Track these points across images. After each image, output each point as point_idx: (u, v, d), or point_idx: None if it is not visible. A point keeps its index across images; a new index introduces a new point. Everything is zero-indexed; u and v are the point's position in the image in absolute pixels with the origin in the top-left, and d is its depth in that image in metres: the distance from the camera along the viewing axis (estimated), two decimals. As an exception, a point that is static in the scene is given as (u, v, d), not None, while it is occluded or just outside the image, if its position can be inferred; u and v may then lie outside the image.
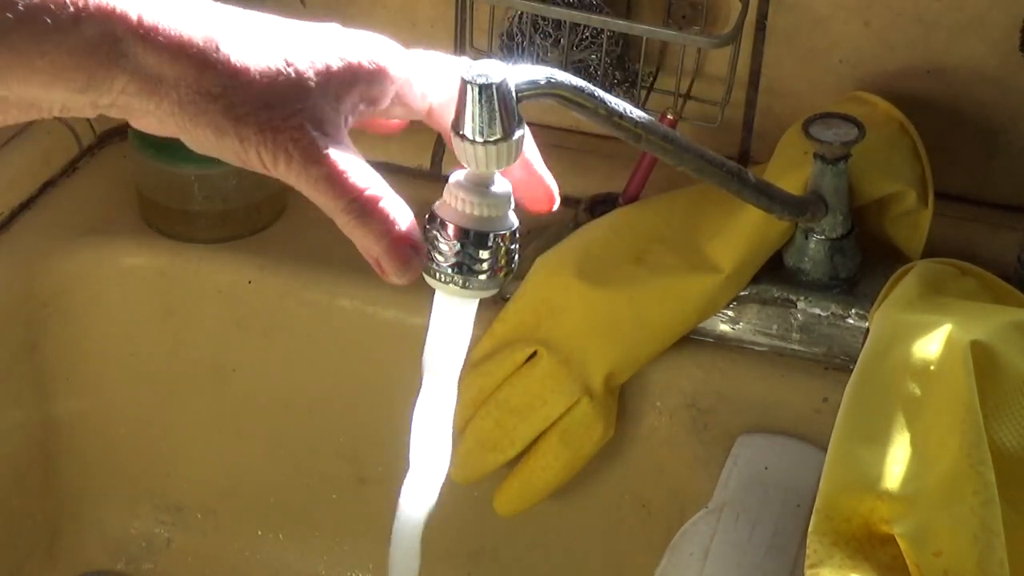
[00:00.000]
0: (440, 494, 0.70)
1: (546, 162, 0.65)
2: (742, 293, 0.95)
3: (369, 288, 1.01)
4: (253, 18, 0.59)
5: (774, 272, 0.95)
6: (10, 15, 0.51)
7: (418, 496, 0.70)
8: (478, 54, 1.03)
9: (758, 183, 0.84)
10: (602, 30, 1.00)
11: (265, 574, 1.11)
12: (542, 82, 0.63)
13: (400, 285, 0.61)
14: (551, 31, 1.01)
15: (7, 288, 1.02)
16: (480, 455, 0.96)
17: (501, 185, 0.63)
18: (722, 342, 0.96)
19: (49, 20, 0.52)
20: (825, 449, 0.74)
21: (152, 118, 0.57)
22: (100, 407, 1.08)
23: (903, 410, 0.74)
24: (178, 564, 1.12)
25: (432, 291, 0.65)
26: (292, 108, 0.57)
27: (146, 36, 0.55)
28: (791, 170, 0.94)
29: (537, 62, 1.00)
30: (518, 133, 0.61)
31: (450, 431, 0.69)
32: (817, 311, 0.94)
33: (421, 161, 1.09)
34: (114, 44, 0.54)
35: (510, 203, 0.64)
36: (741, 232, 0.94)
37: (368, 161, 0.60)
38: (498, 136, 0.60)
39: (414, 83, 0.63)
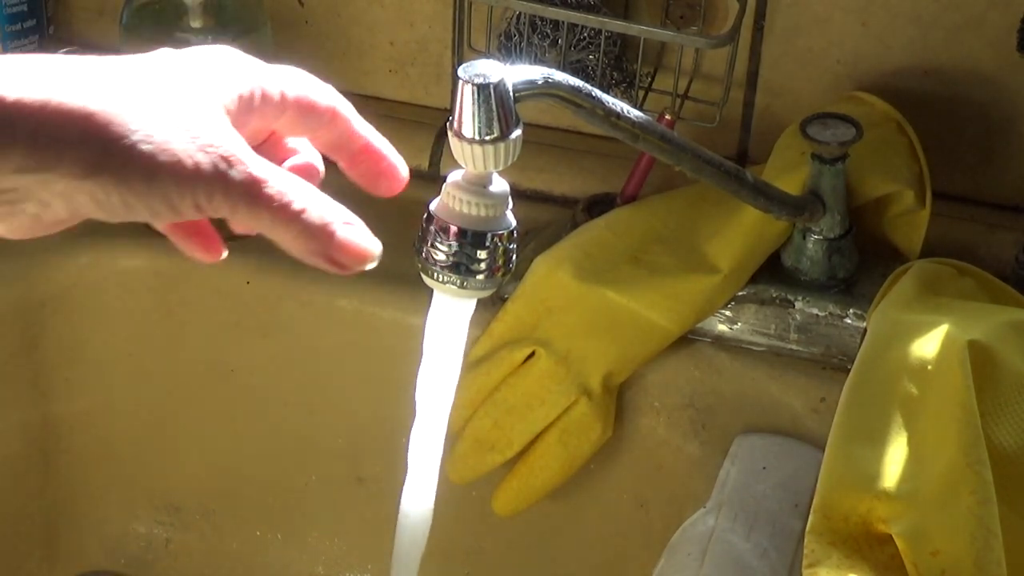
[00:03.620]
0: (438, 494, 0.70)
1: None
2: (740, 293, 0.95)
3: (368, 288, 1.01)
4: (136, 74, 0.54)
5: (772, 272, 0.95)
6: None
7: (419, 496, 0.71)
8: (476, 54, 1.03)
9: (756, 183, 0.85)
10: (600, 30, 1.00)
11: (264, 574, 1.11)
12: (540, 82, 0.63)
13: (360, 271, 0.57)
14: (549, 31, 1.01)
15: (7, 288, 1.02)
16: (478, 455, 0.96)
17: (499, 185, 0.63)
18: (720, 342, 0.96)
19: None
20: (823, 449, 0.74)
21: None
22: (99, 407, 1.08)
23: (901, 410, 0.74)
24: (177, 564, 1.12)
25: (430, 291, 0.65)
26: (218, 154, 0.54)
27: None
28: (789, 170, 0.94)
29: (535, 62, 1.00)
30: (516, 133, 0.61)
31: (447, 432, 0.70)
32: (815, 311, 0.94)
33: (419, 161, 1.09)
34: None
35: (508, 203, 0.64)
36: (739, 232, 0.94)
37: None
38: (496, 136, 0.60)
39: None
